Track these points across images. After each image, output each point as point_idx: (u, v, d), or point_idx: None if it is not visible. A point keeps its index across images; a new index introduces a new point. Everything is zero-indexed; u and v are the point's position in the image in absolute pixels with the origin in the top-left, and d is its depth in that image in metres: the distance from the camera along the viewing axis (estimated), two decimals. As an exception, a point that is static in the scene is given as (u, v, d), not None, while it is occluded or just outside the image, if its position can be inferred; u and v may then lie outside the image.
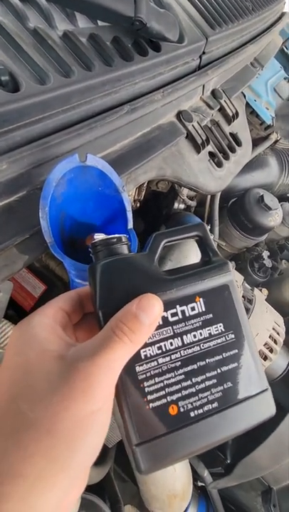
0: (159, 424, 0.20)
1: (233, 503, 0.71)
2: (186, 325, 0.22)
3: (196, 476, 0.65)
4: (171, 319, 0.22)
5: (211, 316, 0.23)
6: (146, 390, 0.20)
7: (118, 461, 0.69)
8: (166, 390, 0.21)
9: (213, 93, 0.63)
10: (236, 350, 0.23)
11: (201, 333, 0.22)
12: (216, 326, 0.23)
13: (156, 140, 0.47)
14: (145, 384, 0.21)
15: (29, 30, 0.34)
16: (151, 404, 0.20)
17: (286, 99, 1.00)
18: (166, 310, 0.22)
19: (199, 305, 0.23)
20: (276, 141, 0.91)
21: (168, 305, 0.22)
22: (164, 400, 0.21)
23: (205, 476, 0.61)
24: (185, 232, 0.25)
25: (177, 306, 0.22)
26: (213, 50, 0.60)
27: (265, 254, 0.77)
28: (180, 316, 0.22)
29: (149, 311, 0.20)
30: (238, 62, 0.70)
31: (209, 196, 0.74)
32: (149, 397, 0.20)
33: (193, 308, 0.23)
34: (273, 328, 0.52)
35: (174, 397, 0.21)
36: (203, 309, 0.23)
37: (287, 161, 0.90)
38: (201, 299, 0.23)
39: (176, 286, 0.23)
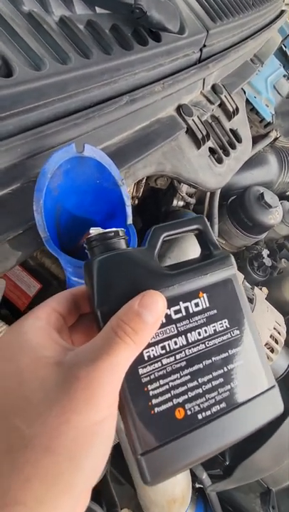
0: (166, 430, 0.19)
1: (232, 505, 0.70)
2: (190, 322, 0.21)
3: (194, 478, 0.63)
4: (174, 317, 0.21)
5: (215, 311, 0.22)
6: (151, 393, 0.19)
7: (115, 463, 0.67)
8: (172, 392, 0.20)
9: (214, 88, 0.62)
10: (242, 347, 0.22)
11: (205, 331, 0.21)
12: (220, 322, 0.22)
13: (155, 134, 0.45)
14: (149, 387, 0.19)
15: (23, 13, 0.32)
16: (156, 409, 0.19)
17: (285, 96, 1.00)
18: (169, 307, 0.20)
19: (203, 301, 0.22)
20: (276, 139, 0.90)
21: (171, 302, 0.21)
22: (169, 404, 0.19)
23: (204, 478, 0.60)
24: (185, 226, 0.24)
25: (180, 303, 0.21)
26: (214, 43, 0.59)
27: (265, 252, 0.76)
28: (184, 313, 0.21)
29: (153, 309, 0.18)
30: (238, 57, 0.68)
31: (209, 193, 0.72)
32: (154, 401, 0.19)
33: (197, 305, 0.21)
34: (274, 328, 0.51)
35: (180, 399, 0.20)
36: (207, 305, 0.22)
37: (286, 159, 0.89)
38: (204, 295, 0.22)
39: (178, 281, 0.21)
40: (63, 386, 0.16)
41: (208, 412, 0.20)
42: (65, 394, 0.15)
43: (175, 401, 0.19)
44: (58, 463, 0.15)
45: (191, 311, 0.21)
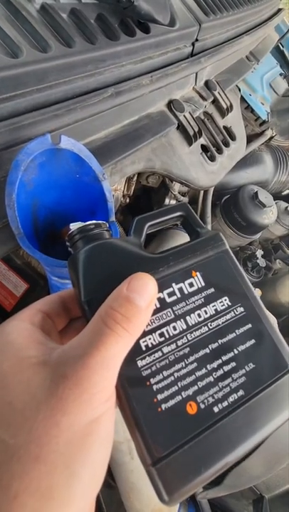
0: (178, 430, 0.16)
1: (224, 511, 0.68)
2: (186, 304, 0.19)
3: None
4: (168, 300, 0.19)
5: (212, 290, 0.20)
6: (155, 387, 0.17)
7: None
8: (179, 384, 0.17)
9: (207, 84, 0.61)
10: (250, 325, 0.20)
11: (205, 311, 0.19)
12: (220, 300, 0.20)
13: (144, 129, 0.44)
14: (152, 381, 0.17)
15: (1, 0, 0.30)
16: (163, 406, 0.16)
17: (282, 95, 0.98)
18: (161, 290, 0.19)
19: (197, 280, 0.20)
20: (271, 138, 0.88)
21: (162, 284, 0.19)
22: (178, 398, 0.17)
23: (194, 484, 0.58)
24: (168, 213, 0.23)
25: (173, 284, 0.19)
26: (206, 38, 0.57)
27: (259, 253, 0.75)
28: (178, 295, 0.19)
29: (143, 292, 0.17)
30: (232, 53, 0.67)
31: (202, 192, 0.71)
32: (160, 397, 0.17)
33: (191, 285, 0.20)
34: (267, 330, 0.50)
35: (190, 391, 0.17)
36: (203, 284, 0.20)
37: (282, 158, 0.88)
38: (198, 273, 0.20)
39: (167, 262, 0.20)
40: (50, 387, 0.14)
41: (225, 403, 0.17)
42: (52, 395, 0.14)
43: (184, 394, 0.17)
44: (50, 473, 0.13)
45: (186, 292, 0.19)
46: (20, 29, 0.31)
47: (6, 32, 0.29)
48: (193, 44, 0.54)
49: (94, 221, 0.21)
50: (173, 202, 0.69)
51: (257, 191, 0.71)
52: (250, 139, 0.86)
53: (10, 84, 0.28)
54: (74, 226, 0.21)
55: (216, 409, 0.17)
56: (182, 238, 0.60)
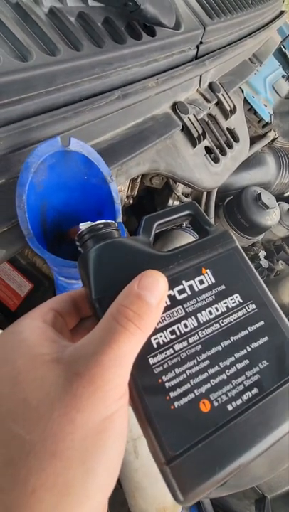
0: (192, 428, 0.16)
1: (226, 511, 0.68)
2: (197, 301, 0.19)
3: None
4: (179, 297, 0.19)
5: (223, 287, 0.20)
6: (167, 385, 0.17)
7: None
8: (192, 381, 0.17)
9: (211, 86, 0.61)
10: (262, 322, 0.19)
11: (217, 308, 0.19)
12: (232, 297, 0.20)
13: (149, 131, 0.44)
14: (164, 378, 0.17)
15: (11, 3, 0.31)
16: (176, 403, 0.16)
17: (284, 97, 0.99)
18: (171, 288, 0.19)
19: (208, 277, 0.20)
20: (274, 139, 0.89)
21: (172, 282, 0.19)
22: (191, 395, 0.17)
23: (197, 484, 0.58)
24: (176, 212, 0.23)
25: (183, 282, 0.19)
26: (210, 40, 0.58)
27: (262, 254, 0.75)
28: (189, 292, 0.19)
29: (154, 289, 0.17)
30: (236, 55, 0.67)
31: (205, 193, 0.71)
32: (172, 394, 0.17)
33: (201, 282, 0.20)
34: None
35: (203, 389, 0.17)
36: (213, 281, 0.20)
37: (284, 160, 0.88)
38: (208, 271, 0.20)
39: (177, 260, 0.20)
40: (64, 384, 0.14)
41: (239, 401, 0.17)
42: (66, 392, 0.14)
43: (197, 391, 0.17)
44: (66, 469, 0.13)
45: (196, 289, 0.19)
46: (29, 32, 0.31)
47: (15, 35, 0.29)
48: (197, 47, 0.54)
49: (103, 220, 0.21)
50: (176, 203, 0.70)
51: (260, 193, 0.72)
52: (253, 140, 0.86)
53: (19, 87, 0.29)
54: (84, 226, 0.21)
55: (229, 408, 0.17)
56: (186, 239, 0.61)
